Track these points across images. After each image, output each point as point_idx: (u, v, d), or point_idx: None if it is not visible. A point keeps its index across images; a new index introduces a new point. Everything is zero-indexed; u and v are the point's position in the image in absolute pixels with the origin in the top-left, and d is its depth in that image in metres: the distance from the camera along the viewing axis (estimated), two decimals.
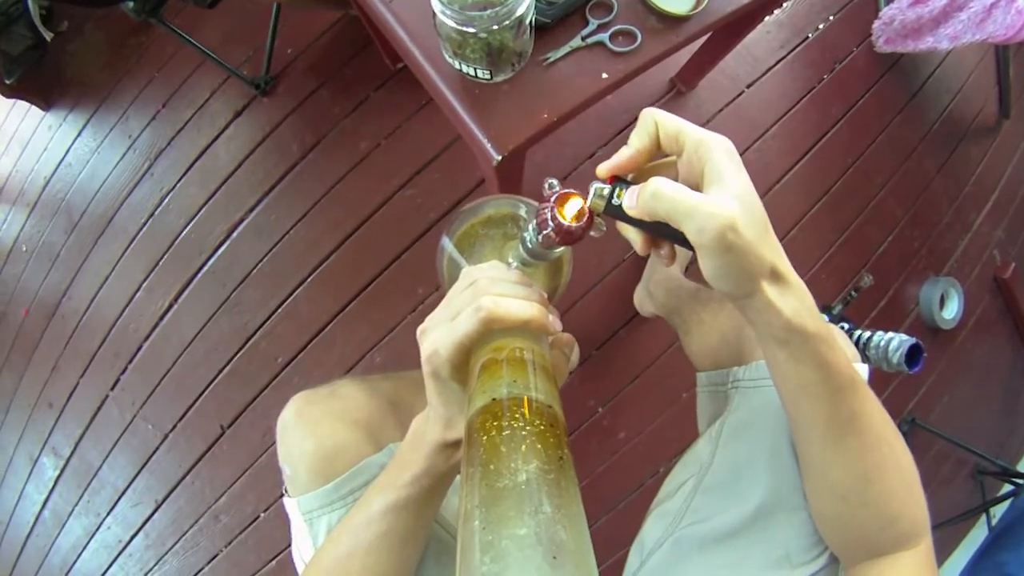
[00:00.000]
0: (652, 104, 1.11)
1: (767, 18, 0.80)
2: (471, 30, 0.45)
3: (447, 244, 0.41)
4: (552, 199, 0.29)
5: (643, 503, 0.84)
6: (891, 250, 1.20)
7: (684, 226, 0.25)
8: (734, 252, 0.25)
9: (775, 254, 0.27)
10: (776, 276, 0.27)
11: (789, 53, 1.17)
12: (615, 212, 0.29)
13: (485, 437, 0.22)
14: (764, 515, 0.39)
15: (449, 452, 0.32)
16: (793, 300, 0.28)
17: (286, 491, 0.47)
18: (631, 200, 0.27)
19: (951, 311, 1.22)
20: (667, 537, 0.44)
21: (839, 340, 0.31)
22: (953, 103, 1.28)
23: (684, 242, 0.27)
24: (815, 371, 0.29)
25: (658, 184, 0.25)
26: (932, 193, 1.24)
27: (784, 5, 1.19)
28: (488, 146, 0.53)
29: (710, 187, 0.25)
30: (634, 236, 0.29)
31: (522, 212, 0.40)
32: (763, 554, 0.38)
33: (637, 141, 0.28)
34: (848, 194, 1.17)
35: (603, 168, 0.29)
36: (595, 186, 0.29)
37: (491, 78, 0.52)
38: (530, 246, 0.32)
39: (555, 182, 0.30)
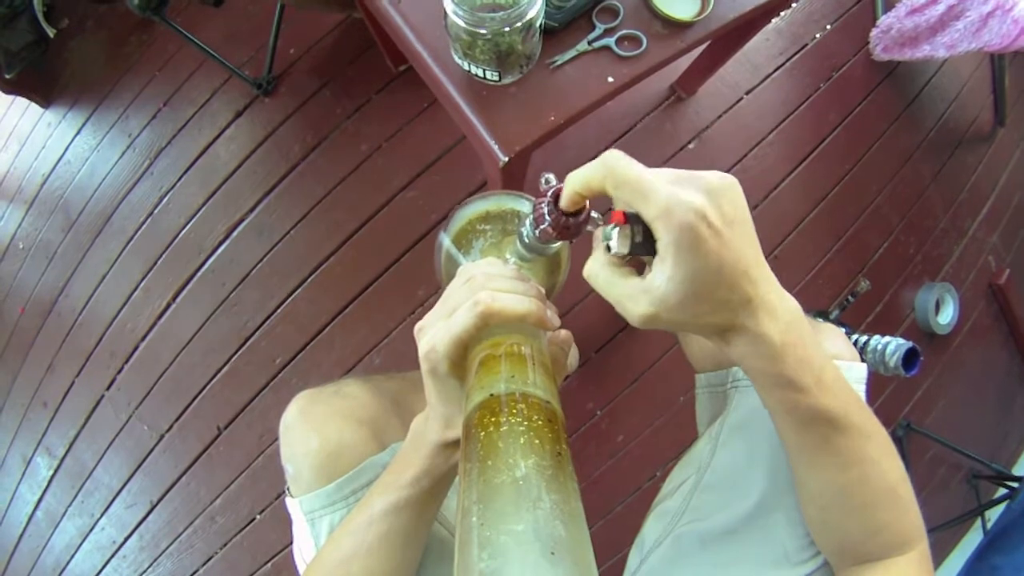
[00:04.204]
0: (653, 110, 1.12)
1: (766, 26, 0.80)
2: (482, 31, 0.45)
3: (445, 241, 0.41)
4: (549, 194, 0.28)
5: (641, 506, 0.84)
6: (887, 256, 1.20)
7: (640, 205, 0.21)
8: (707, 252, 0.21)
9: (758, 255, 0.24)
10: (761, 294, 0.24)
11: (788, 60, 1.18)
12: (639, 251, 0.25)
13: (483, 433, 0.22)
14: (763, 513, 0.39)
15: (449, 452, 0.32)
16: (780, 326, 0.25)
17: (288, 491, 0.46)
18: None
19: (946, 316, 1.22)
20: (667, 535, 0.44)
21: (830, 372, 0.28)
22: (949, 111, 1.29)
23: None
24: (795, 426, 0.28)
25: (613, 155, 0.22)
26: (928, 199, 1.25)
27: (783, 13, 1.20)
28: (495, 147, 0.53)
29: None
30: None
31: (520, 208, 0.40)
32: (762, 552, 0.38)
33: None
34: (845, 200, 1.18)
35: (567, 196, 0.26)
36: (613, 230, 0.25)
37: (499, 80, 0.53)
38: (527, 241, 0.32)
39: (552, 177, 0.29)
